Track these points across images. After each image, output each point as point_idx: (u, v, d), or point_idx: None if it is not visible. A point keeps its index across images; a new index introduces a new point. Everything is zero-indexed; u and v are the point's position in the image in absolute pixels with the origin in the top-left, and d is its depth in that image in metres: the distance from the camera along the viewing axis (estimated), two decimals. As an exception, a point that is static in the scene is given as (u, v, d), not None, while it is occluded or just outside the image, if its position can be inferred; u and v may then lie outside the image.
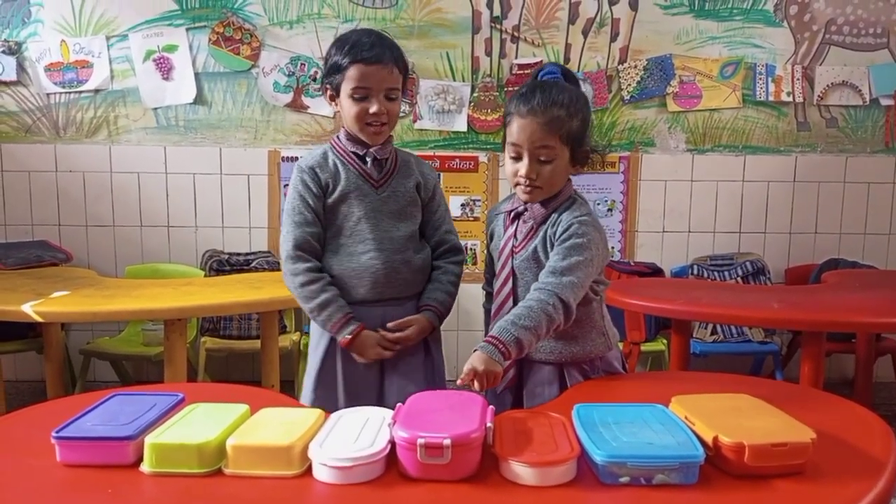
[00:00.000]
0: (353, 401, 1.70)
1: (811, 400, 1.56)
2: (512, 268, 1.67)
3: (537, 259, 1.62)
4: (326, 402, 1.73)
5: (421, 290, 1.82)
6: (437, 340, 1.88)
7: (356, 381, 1.76)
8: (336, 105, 1.75)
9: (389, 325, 1.73)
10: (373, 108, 1.67)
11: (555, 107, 1.56)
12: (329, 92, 1.75)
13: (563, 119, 1.56)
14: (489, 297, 1.86)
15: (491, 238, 1.79)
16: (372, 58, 1.66)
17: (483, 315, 1.92)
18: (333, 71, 1.70)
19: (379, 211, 1.75)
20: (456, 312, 3.94)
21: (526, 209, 1.65)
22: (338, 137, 1.79)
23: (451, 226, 1.89)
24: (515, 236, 1.67)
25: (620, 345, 3.38)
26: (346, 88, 1.68)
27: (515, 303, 1.62)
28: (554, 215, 1.62)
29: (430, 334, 1.82)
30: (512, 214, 1.69)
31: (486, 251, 1.87)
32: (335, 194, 1.74)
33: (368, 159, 1.75)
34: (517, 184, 1.62)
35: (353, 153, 1.76)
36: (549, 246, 1.60)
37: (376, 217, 1.74)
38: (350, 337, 1.69)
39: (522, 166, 1.58)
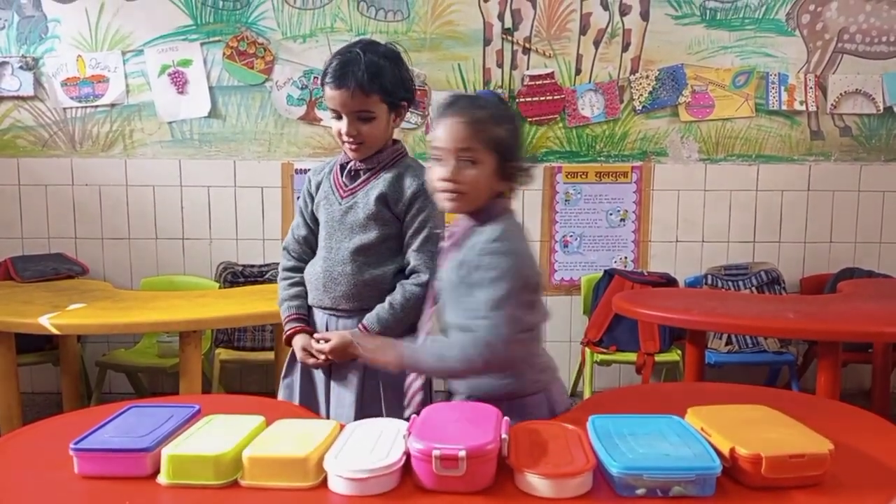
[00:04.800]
0: (306, 399, 1.82)
1: (828, 410, 1.55)
2: (433, 292, 1.61)
3: (450, 279, 1.51)
4: (290, 396, 1.85)
5: (364, 304, 1.75)
6: None
7: (309, 383, 1.84)
8: None
9: (315, 335, 1.77)
10: (343, 129, 1.72)
11: (479, 110, 1.48)
12: None
13: (486, 122, 1.46)
14: None
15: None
16: (333, 82, 1.69)
17: None
18: (321, 85, 1.78)
19: (336, 221, 1.79)
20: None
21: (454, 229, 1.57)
22: None
23: (422, 244, 1.73)
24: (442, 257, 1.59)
25: (636, 355, 3.33)
26: (327, 105, 1.76)
27: (441, 329, 1.54)
28: (466, 241, 1.50)
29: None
30: (447, 232, 1.61)
31: None
32: (315, 202, 1.84)
33: (345, 170, 1.80)
34: (441, 191, 1.49)
35: (341, 163, 1.82)
36: (462, 268, 1.47)
37: (332, 226, 1.79)
38: (286, 336, 1.81)
39: (445, 169, 1.46)
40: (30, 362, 3.32)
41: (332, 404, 1.79)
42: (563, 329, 3.78)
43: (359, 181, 1.79)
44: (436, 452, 1.09)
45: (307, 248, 1.87)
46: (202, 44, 3.66)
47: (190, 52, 3.66)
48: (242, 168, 3.74)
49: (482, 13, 3.66)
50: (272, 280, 3.52)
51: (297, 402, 1.82)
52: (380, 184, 1.76)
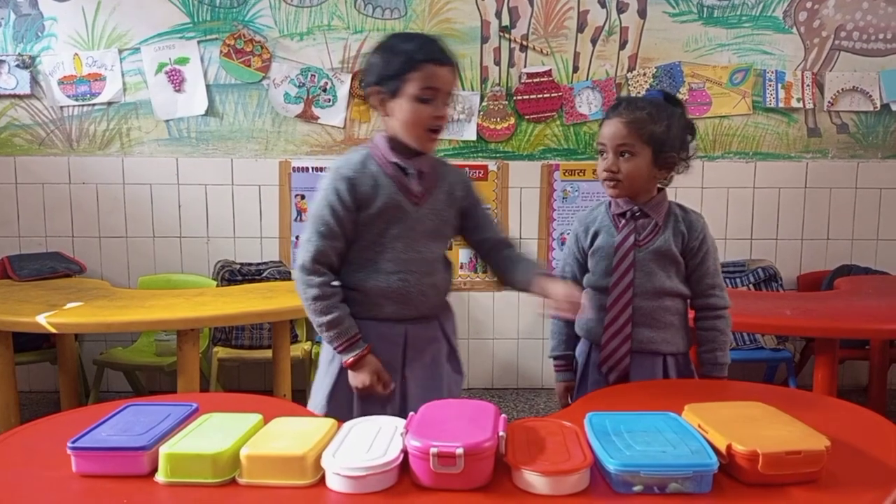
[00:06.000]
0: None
1: (825, 407, 1.55)
2: (634, 260, 1.77)
3: (665, 252, 1.77)
4: (339, 417, 1.64)
5: (442, 310, 1.75)
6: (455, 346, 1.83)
7: (372, 399, 1.68)
8: (385, 110, 1.62)
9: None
10: (439, 112, 1.58)
11: (637, 111, 1.74)
12: (381, 95, 1.61)
13: (644, 121, 1.73)
14: None
15: (592, 240, 1.85)
16: (442, 58, 1.59)
17: (550, 326, 1.96)
18: (396, 71, 1.57)
19: (414, 230, 1.65)
20: (466, 320, 3.92)
21: (641, 209, 1.79)
22: (377, 145, 1.67)
23: (498, 226, 1.85)
24: (637, 232, 1.79)
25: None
26: (410, 90, 1.56)
27: (634, 294, 1.76)
28: (674, 216, 1.82)
29: (451, 336, 1.78)
30: (628, 214, 1.80)
31: (569, 256, 1.93)
32: (372, 209, 1.62)
33: (412, 172, 1.64)
34: (602, 179, 1.79)
35: (395, 164, 1.63)
36: (679, 243, 1.79)
37: (411, 236, 1.64)
38: (352, 359, 1.63)
39: (604, 162, 1.77)
40: (27, 361, 3.33)
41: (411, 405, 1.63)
42: (561, 326, 3.79)
43: (425, 185, 1.67)
44: (433, 450, 1.09)
45: (339, 260, 1.66)
46: (199, 42, 3.66)
47: (187, 51, 3.66)
48: (240, 166, 3.74)
49: (479, 11, 3.66)
50: (269, 278, 3.52)
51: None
52: (447, 185, 1.71)
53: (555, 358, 1.96)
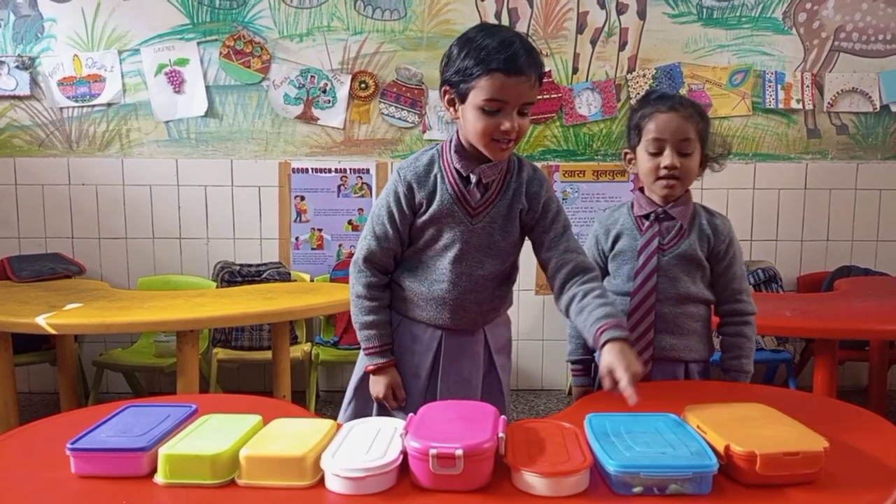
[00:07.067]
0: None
1: (825, 408, 1.55)
2: (658, 264, 1.72)
3: (690, 256, 1.73)
4: (361, 414, 1.68)
5: (485, 324, 1.69)
6: (507, 353, 1.79)
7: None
8: (455, 112, 1.53)
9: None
10: (505, 126, 1.44)
11: (691, 105, 1.71)
12: (449, 96, 1.52)
13: (696, 117, 1.70)
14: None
15: (613, 243, 1.80)
16: (515, 68, 1.42)
17: (568, 329, 1.91)
18: (463, 75, 1.46)
19: (467, 243, 1.57)
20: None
21: (665, 211, 1.74)
22: (449, 145, 1.58)
23: (573, 240, 1.62)
24: (662, 235, 1.74)
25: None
26: (475, 98, 1.45)
27: (658, 299, 1.71)
28: (700, 219, 1.75)
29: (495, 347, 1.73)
30: (652, 216, 1.75)
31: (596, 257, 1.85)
32: (426, 216, 1.56)
33: (473, 179, 1.55)
34: (658, 178, 1.70)
35: (458, 171, 1.55)
36: (705, 247, 1.73)
37: (463, 249, 1.57)
38: (374, 367, 1.64)
39: (666, 158, 1.68)
40: (27, 362, 3.33)
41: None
42: (561, 328, 3.78)
43: (487, 195, 1.57)
44: (433, 451, 1.09)
45: (393, 261, 1.64)
46: (199, 43, 3.66)
47: (186, 52, 3.66)
48: (239, 167, 3.74)
49: (479, 12, 3.67)
50: (269, 279, 3.52)
51: None
52: (515, 198, 1.58)
53: (572, 362, 1.92)
